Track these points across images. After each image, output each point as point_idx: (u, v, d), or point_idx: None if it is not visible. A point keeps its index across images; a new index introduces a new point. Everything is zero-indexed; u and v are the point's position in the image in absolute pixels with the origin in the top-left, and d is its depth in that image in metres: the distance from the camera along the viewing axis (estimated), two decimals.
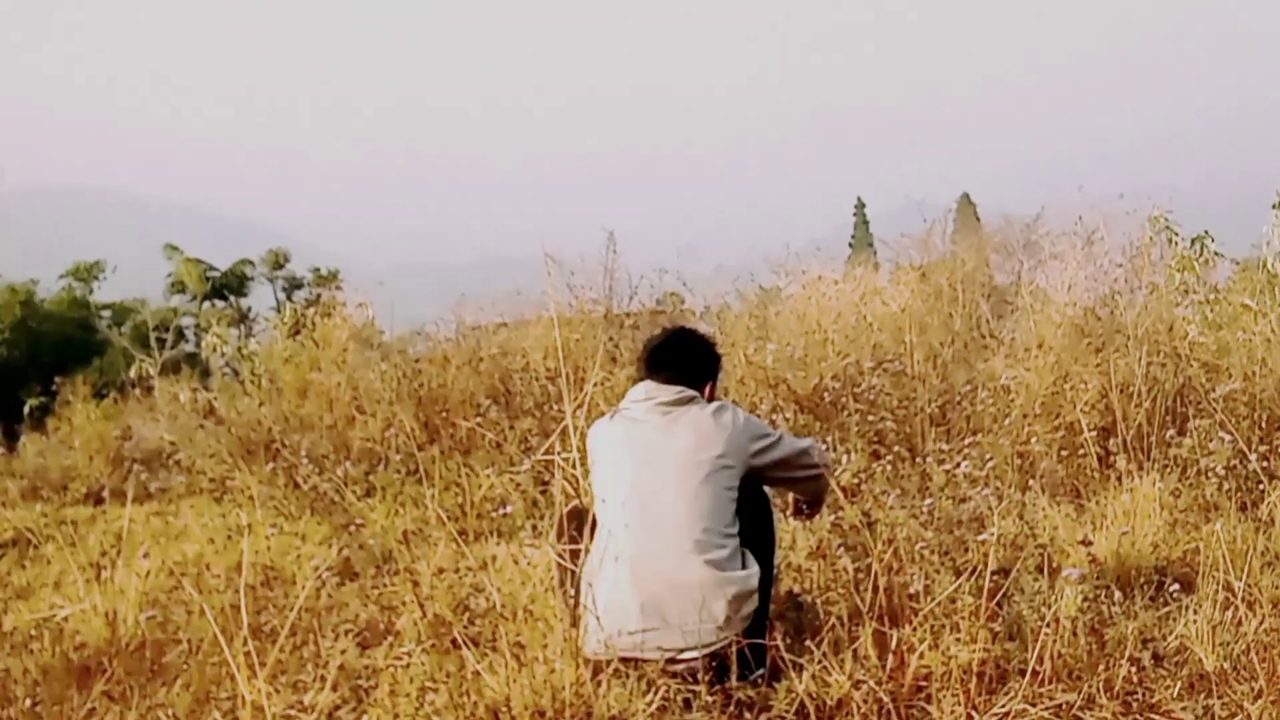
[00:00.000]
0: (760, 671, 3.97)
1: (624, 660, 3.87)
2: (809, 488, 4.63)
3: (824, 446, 4.61)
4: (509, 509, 7.09)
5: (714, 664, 3.92)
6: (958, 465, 6.95)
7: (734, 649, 3.91)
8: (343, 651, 4.52)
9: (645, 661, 3.89)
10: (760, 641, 3.99)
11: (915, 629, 3.95)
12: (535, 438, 8.50)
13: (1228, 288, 11.27)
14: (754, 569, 4.08)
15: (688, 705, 3.77)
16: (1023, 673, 3.78)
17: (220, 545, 7.39)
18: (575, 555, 4.14)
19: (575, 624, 4.00)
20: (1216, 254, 11.71)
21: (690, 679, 3.85)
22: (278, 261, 28.94)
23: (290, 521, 8.04)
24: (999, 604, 4.35)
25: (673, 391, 4.28)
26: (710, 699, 3.81)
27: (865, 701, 3.67)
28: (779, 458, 4.33)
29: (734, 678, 3.86)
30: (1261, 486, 6.10)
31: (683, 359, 4.46)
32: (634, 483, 4.10)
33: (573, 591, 4.12)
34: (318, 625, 4.93)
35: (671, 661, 3.89)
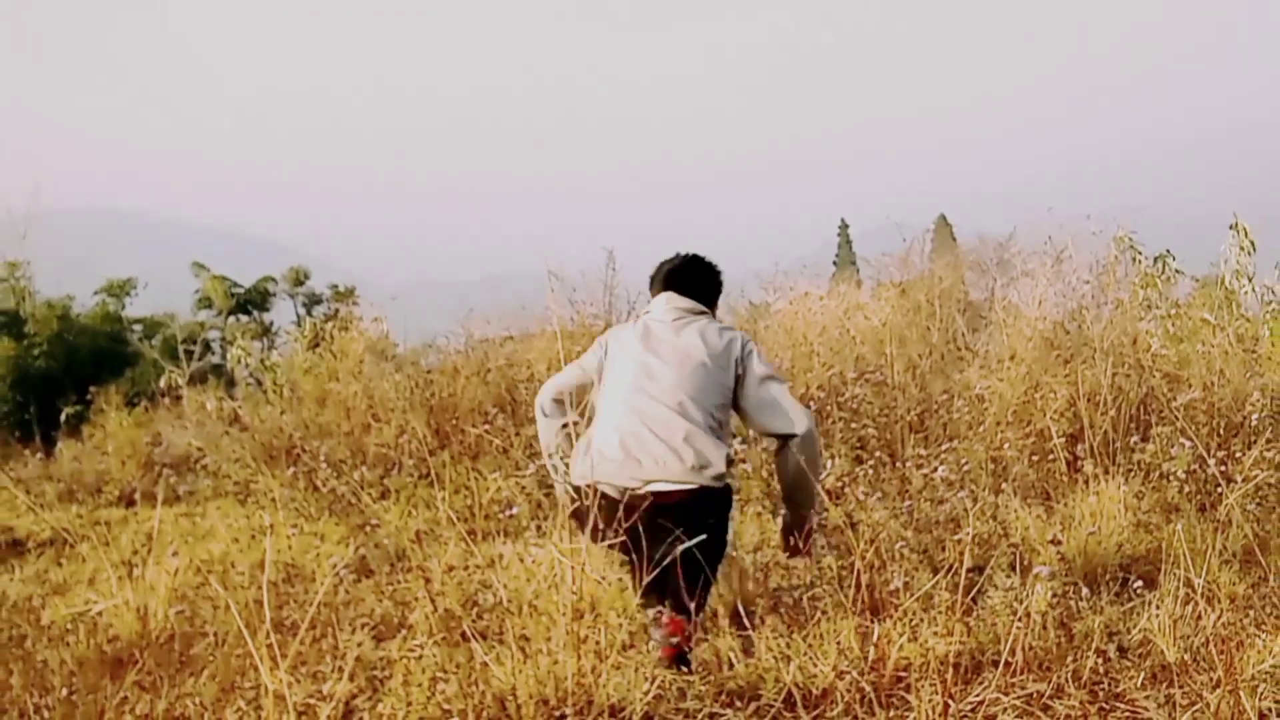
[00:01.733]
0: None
1: (604, 494, 4.13)
2: (784, 428, 4.38)
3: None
4: (515, 510, 7.08)
5: (684, 506, 4.09)
6: (935, 469, 6.95)
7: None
8: (359, 644, 4.52)
9: (622, 491, 4.14)
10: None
11: (895, 623, 3.96)
12: (540, 444, 8.50)
13: (1188, 303, 11.27)
14: (727, 450, 4.25)
15: (682, 694, 3.78)
16: (996, 664, 3.79)
17: (244, 544, 7.38)
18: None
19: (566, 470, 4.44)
20: (1177, 272, 11.72)
21: (655, 509, 4.08)
22: (298, 279, 28.92)
23: (310, 522, 8.04)
24: (974, 599, 4.36)
25: (689, 303, 4.59)
26: (704, 688, 3.82)
27: (849, 691, 3.67)
28: (763, 379, 4.41)
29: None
30: (1219, 489, 6.10)
31: (696, 280, 4.71)
32: (640, 364, 4.36)
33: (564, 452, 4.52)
34: (336, 619, 4.93)
35: (644, 486, 4.14)
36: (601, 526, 4.10)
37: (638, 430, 4.21)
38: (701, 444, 4.17)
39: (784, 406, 4.38)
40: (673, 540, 3.98)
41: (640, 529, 4.03)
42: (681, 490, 4.12)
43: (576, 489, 4.35)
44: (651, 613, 4.13)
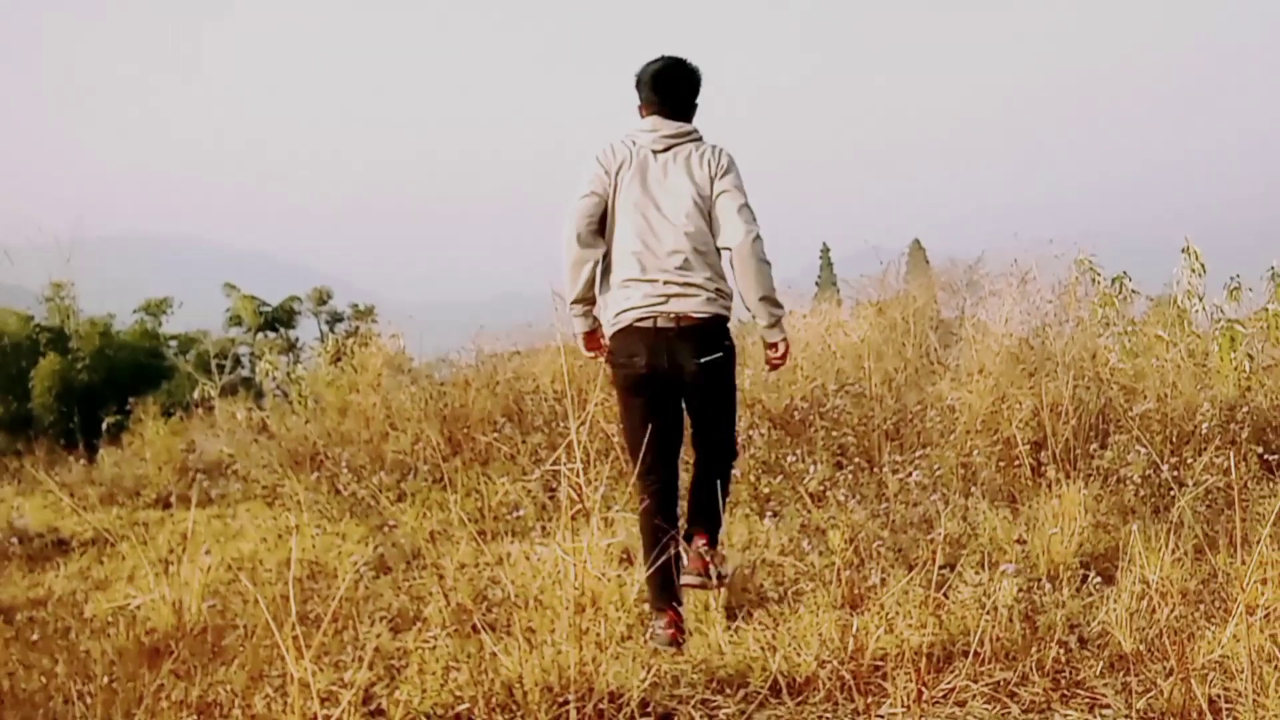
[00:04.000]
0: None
1: (636, 330, 4.42)
2: (725, 241, 4.53)
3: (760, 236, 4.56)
4: (521, 512, 7.09)
5: (705, 328, 4.41)
6: (910, 474, 6.95)
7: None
8: (378, 636, 4.52)
9: (650, 323, 4.40)
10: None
11: (873, 616, 3.97)
12: (544, 450, 8.50)
13: (1143, 321, 11.29)
14: (729, 298, 4.55)
15: (676, 682, 3.78)
16: (966, 654, 3.79)
17: (272, 544, 7.38)
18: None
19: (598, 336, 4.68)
20: (1133, 292, 11.72)
21: (681, 331, 4.38)
22: (321, 298, 28.84)
23: (332, 523, 8.03)
24: (945, 594, 4.36)
25: (675, 127, 4.58)
26: (696, 676, 3.82)
27: (830, 679, 3.67)
28: (737, 197, 4.49)
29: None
30: (1172, 493, 6.11)
31: (682, 93, 4.68)
32: (642, 216, 4.45)
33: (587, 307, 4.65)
34: (356, 613, 4.93)
35: (675, 321, 4.39)
36: (635, 357, 4.44)
37: (660, 291, 4.38)
38: (713, 283, 4.43)
39: (724, 221, 4.49)
40: (698, 365, 4.40)
41: (670, 354, 4.39)
42: (702, 316, 4.38)
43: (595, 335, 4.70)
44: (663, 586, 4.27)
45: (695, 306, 4.38)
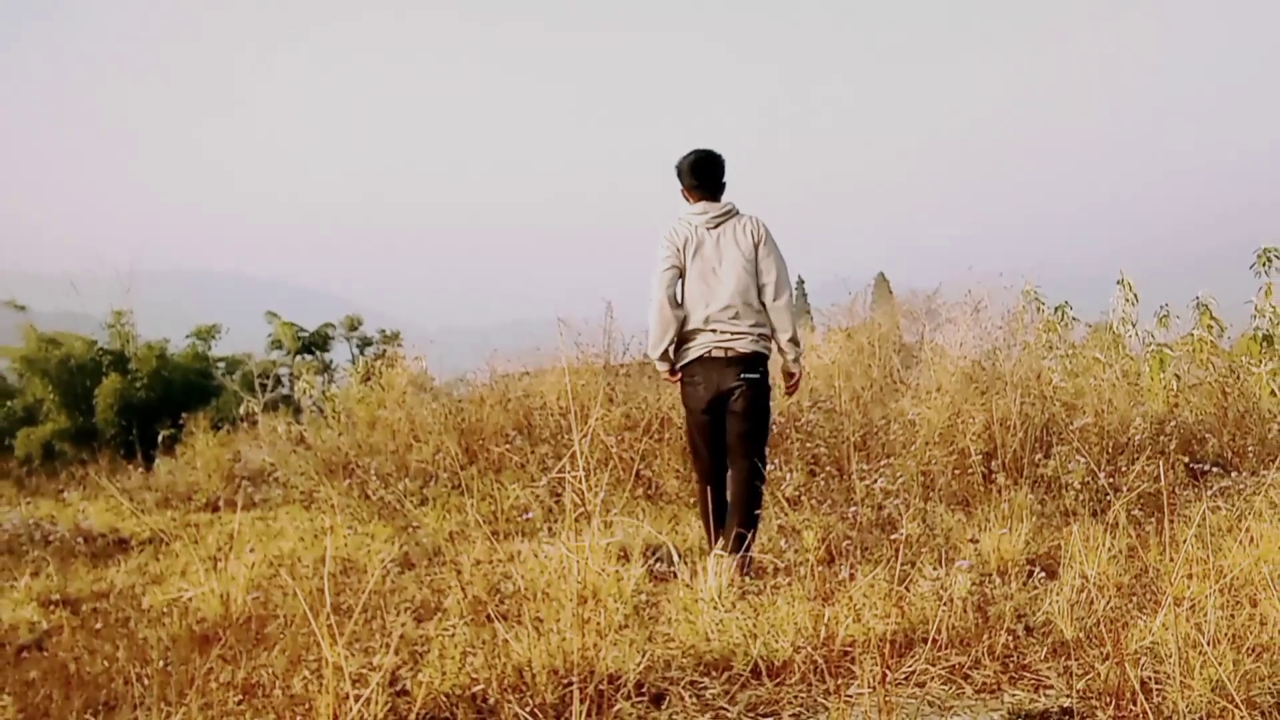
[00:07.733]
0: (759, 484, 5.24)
1: (699, 360, 5.22)
2: (765, 298, 5.26)
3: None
4: (530, 515, 7.09)
5: (751, 359, 5.19)
6: (875, 481, 6.96)
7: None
8: (403, 624, 4.51)
9: (707, 354, 5.20)
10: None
11: (842, 607, 3.97)
12: (551, 460, 8.51)
13: (1082, 345, 11.33)
14: (769, 339, 5.31)
15: (668, 665, 3.78)
16: (925, 641, 3.79)
17: (309, 542, 7.37)
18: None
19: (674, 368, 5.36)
20: (1074, 319, 11.79)
21: (733, 360, 5.17)
22: (352, 325, 28.79)
23: (362, 524, 8.02)
24: (906, 588, 4.36)
25: (719, 208, 5.29)
26: (685, 661, 3.82)
27: (804, 663, 3.67)
28: (774, 262, 5.25)
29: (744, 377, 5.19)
30: (1108, 498, 6.12)
31: (715, 174, 5.37)
32: (705, 281, 5.21)
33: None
34: (384, 604, 4.92)
35: (725, 352, 5.18)
36: (697, 379, 5.23)
37: (716, 336, 5.18)
38: (756, 329, 5.21)
39: (766, 284, 5.23)
40: (741, 380, 5.17)
41: (721, 376, 5.18)
42: (746, 352, 5.18)
43: (674, 369, 5.37)
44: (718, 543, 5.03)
45: (742, 346, 5.17)
